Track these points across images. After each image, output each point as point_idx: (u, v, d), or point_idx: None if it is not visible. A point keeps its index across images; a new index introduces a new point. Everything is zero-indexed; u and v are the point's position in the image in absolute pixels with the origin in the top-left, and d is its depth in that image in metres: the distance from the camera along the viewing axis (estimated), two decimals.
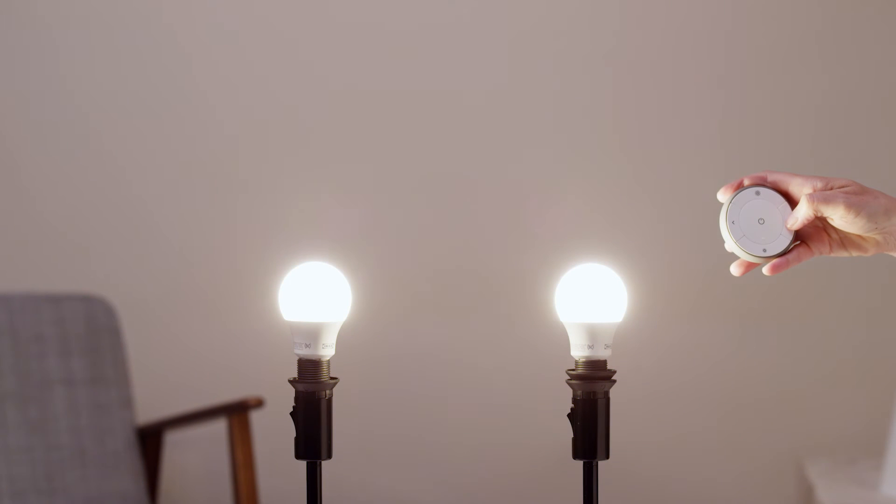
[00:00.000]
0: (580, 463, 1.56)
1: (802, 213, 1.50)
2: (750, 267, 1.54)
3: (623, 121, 3.55)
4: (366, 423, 3.55)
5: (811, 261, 1.63)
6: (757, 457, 3.53)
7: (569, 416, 1.55)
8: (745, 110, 3.53)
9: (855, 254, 1.54)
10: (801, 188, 1.53)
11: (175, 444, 3.53)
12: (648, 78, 3.54)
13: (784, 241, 1.53)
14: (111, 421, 3.17)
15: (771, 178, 1.54)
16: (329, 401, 1.56)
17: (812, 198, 1.49)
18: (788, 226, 1.51)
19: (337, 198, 3.57)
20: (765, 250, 1.52)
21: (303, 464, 1.57)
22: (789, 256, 1.53)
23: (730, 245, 1.53)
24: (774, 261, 1.52)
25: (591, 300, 1.54)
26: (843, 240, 1.54)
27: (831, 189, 1.51)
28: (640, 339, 3.50)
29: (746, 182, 1.54)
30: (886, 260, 3.41)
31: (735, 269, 1.54)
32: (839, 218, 1.50)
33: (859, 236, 1.53)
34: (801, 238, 1.54)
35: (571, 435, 1.55)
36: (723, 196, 1.54)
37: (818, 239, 1.54)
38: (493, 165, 3.56)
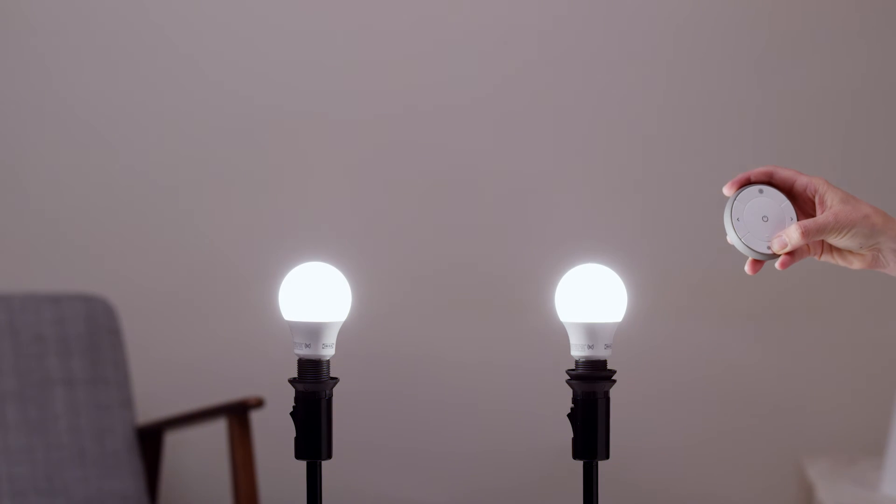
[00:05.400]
0: (580, 463, 1.56)
1: (795, 240, 1.54)
2: (762, 265, 1.56)
3: (623, 120, 3.55)
4: (366, 423, 3.55)
5: (813, 261, 1.65)
6: (757, 457, 3.53)
7: (569, 416, 1.55)
8: (745, 109, 3.53)
9: (841, 264, 1.57)
10: (804, 189, 1.56)
11: (175, 444, 3.53)
12: (649, 77, 3.54)
13: None
14: (111, 421, 3.17)
15: (776, 175, 1.57)
16: (329, 401, 1.56)
17: (806, 231, 1.53)
18: (775, 249, 1.54)
19: (337, 198, 3.57)
20: (770, 248, 1.54)
21: (303, 464, 1.57)
22: (795, 253, 1.55)
23: (733, 240, 1.55)
24: (783, 257, 1.54)
25: (591, 300, 1.54)
26: (833, 249, 1.58)
27: (823, 205, 1.55)
28: (640, 339, 3.50)
29: (752, 178, 1.56)
30: None
31: (748, 269, 1.57)
32: (828, 239, 1.55)
33: (848, 251, 1.57)
34: None
35: (571, 435, 1.55)
36: (728, 191, 1.56)
37: (813, 242, 1.58)
38: (493, 165, 3.55)
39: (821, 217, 1.53)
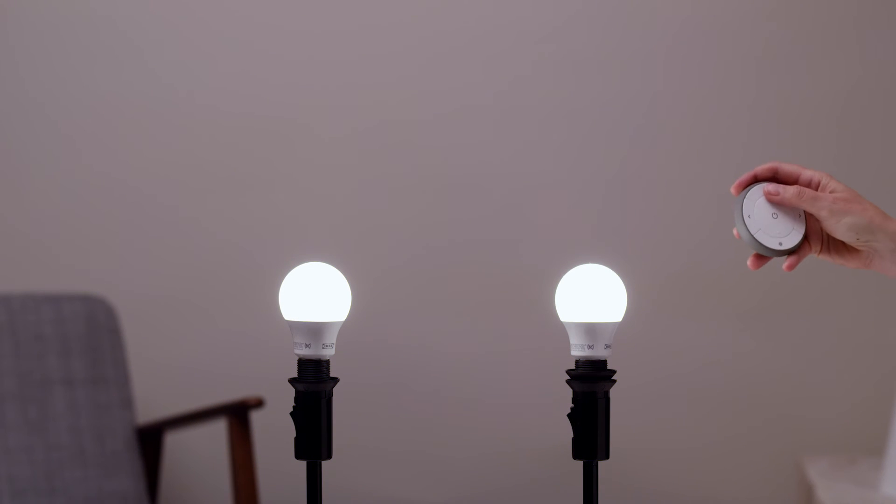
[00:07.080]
0: (580, 463, 1.56)
1: (789, 195, 1.55)
2: (765, 260, 1.57)
3: (623, 120, 3.55)
4: (366, 423, 3.55)
5: (813, 261, 1.66)
6: (757, 457, 3.53)
7: (569, 416, 1.55)
8: (743, 109, 3.53)
9: (839, 262, 1.58)
10: (809, 183, 1.58)
11: (175, 444, 3.53)
12: (648, 77, 3.54)
13: (797, 236, 1.57)
14: (111, 421, 3.17)
15: (780, 170, 1.59)
16: (329, 401, 1.56)
17: (800, 192, 1.55)
18: (770, 190, 1.56)
19: (337, 198, 3.57)
20: (780, 244, 1.57)
21: (303, 464, 1.57)
22: (800, 252, 1.56)
23: (745, 236, 1.56)
24: (790, 259, 1.55)
25: (591, 300, 1.54)
26: (831, 246, 1.58)
27: (825, 191, 1.56)
28: (640, 339, 3.50)
29: (758, 175, 1.58)
30: None
31: (751, 264, 1.57)
32: (822, 220, 1.55)
33: (844, 246, 1.57)
34: (805, 233, 1.58)
35: (571, 435, 1.55)
36: (735, 191, 1.58)
37: (814, 237, 1.58)
38: (493, 165, 3.56)
39: (821, 193, 1.55)
